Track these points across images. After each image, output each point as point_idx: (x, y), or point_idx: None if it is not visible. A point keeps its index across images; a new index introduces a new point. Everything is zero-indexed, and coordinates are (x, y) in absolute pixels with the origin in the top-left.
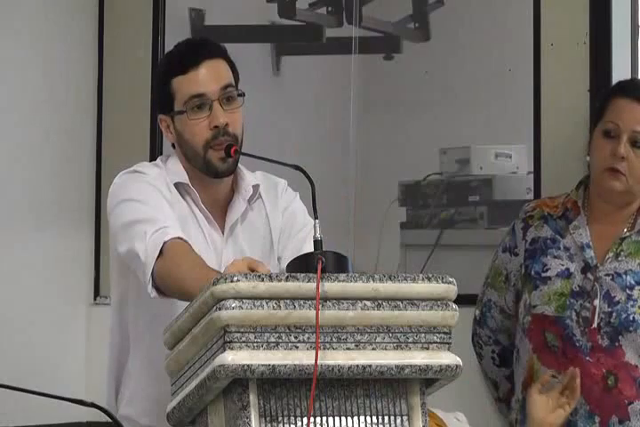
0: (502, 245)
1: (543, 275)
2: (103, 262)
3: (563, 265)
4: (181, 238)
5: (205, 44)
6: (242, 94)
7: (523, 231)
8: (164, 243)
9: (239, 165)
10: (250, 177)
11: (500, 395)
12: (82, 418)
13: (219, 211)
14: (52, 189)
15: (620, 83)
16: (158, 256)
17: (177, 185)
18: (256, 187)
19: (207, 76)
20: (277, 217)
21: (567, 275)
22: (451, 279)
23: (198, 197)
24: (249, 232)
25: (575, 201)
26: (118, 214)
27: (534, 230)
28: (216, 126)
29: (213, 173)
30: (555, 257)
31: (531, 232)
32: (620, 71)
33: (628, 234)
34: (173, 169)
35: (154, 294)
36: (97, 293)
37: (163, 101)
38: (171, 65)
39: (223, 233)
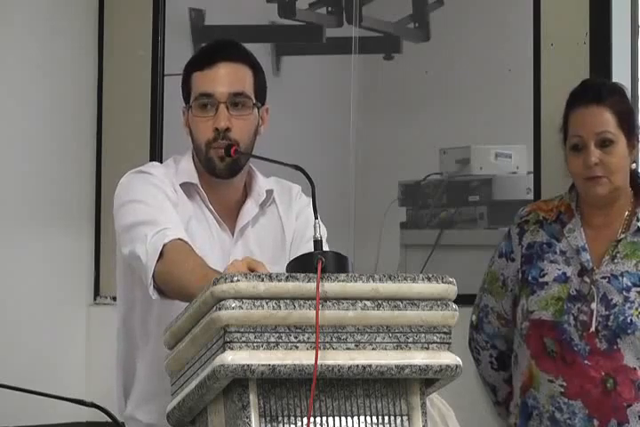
0: (498, 250)
1: (540, 280)
2: (103, 262)
3: (559, 269)
4: (182, 239)
5: (228, 46)
6: (256, 105)
7: (519, 236)
8: (165, 245)
9: (255, 169)
10: (264, 182)
11: (498, 399)
12: (82, 418)
13: (229, 213)
14: (52, 189)
15: (571, 93)
16: (159, 258)
17: (185, 185)
18: (270, 192)
19: (219, 78)
20: (291, 220)
21: (564, 279)
22: (451, 279)
23: (206, 198)
24: (260, 235)
25: (569, 204)
26: (122, 216)
27: (530, 235)
28: (217, 129)
29: (212, 171)
30: (551, 262)
31: (526, 237)
32: (620, 71)
33: (623, 236)
34: (184, 168)
35: (155, 295)
36: (97, 293)
37: (184, 94)
38: (194, 59)
39: (233, 235)
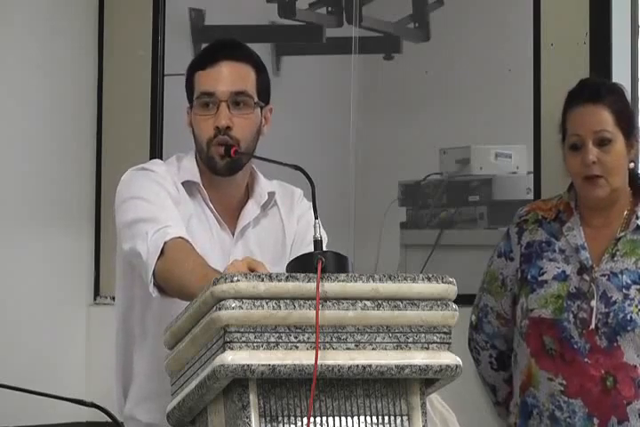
0: (497, 249)
1: (540, 278)
2: (103, 262)
3: (559, 268)
4: (183, 238)
5: (230, 45)
6: (259, 105)
7: (517, 236)
8: (165, 243)
9: (257, 171)
10: (266, 184)
11: (498, 399)
12: (82, 418)
13: (230, 213)
14: (52, 188)
15: (569, 92)
16: (160, 256)
17: (186, 184)
18: (272, 194)
19: (221, 77)
20: (292, 223)
21: (563, 277)
22: (451, 279)
23: (207, 197)
24: (261, 236)
25: (568, 203)
26: (123, 212)
27: (529, 234)
28: (217, 127)
29: (213, 169)
30: (550, 260)
31: (525, 236)
32: (620, 71)
33: (622, 234)
34: (186, 167)
35: (155, 293)
36: (97, 293)
37: (188, 93)
38: (197, 58)
39: (233, 235)
